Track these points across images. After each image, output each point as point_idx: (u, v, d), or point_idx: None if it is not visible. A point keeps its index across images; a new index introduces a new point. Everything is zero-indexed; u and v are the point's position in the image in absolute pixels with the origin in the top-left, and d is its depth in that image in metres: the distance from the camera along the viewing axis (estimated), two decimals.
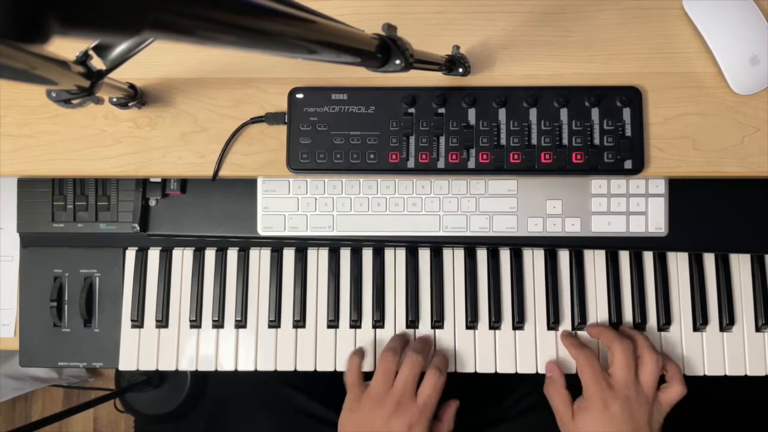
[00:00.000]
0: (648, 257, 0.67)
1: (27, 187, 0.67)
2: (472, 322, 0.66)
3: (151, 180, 0.66)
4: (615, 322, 0.65)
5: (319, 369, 0.66)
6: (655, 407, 0.59)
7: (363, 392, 0.62)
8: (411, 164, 0.60)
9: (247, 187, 0.66)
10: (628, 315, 0.66)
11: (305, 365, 0.66)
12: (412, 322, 0.66)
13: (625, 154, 0.59)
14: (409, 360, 0.61)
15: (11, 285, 0.70)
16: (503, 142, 0.60)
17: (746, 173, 0.60)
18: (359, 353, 0.65)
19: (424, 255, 0.68)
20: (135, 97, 0.59)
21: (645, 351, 0.60)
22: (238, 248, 0.68)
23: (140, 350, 0.67)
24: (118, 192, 0.67)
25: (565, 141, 0.60)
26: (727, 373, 0.65)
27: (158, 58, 0.62)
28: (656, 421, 0.59)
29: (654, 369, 0.59)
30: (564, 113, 0.60)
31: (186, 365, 0.67)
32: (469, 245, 0.67)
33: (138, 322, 0.67)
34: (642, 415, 0.58)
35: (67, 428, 1.51)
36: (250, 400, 0.69)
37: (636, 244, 0.65)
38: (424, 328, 0.66)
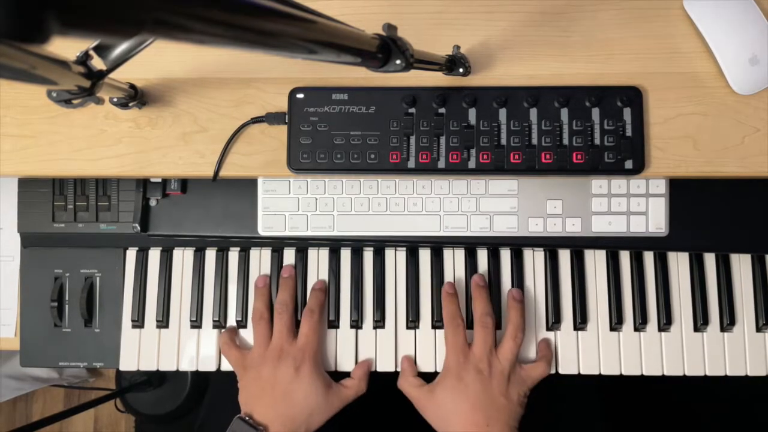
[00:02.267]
0: (648, 257, 0.67)
1: (27, 187, 0.67)
2: (472, 323, 0.66)
3: (152, 180, 0.66)
4: (615, 322, 0.65)
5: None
6: (514, 380, 0.61)
7: (241, 354, 0.64)
8: (411, 164, 0.60)
9: (247, 187, 0.66)
10: (628, 315, 0.66)
11: None
12: (413, 322, 0.66)
13: (625, 154, 0.59)
14: (276, 314, 0.64)
15: (11, 285, 0.70)
16: (504, 142, 0.60)
17: (746, 173, 0.60)
18: (229, 330, 0.67)
19: (425, 255, 0.67)
20: (135, 97, 0.59)
21: (509, 328, 0.63)
22: (238, 248, 0.68)
23: (141, 350, 0.67)
24: (119, 192, 0.67)
25: (566, 141, 0.60)
26: (728, 374, 0.65)
27: (158, 58, 0.62)
28: (514, 392, 0.61)
29: (511, 346, 0.62)
30: (564, 113, 0.60)
31: (186, 365, 0.67)
32: (470, 245, 0.67)
33: (138, 322, 0.67)
34: (495, 386, 0.60)
35: (68, 428, 1.52)
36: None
37: (636, 244, 0.65)
38: (425, 328, 0.66)
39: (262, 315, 0.65)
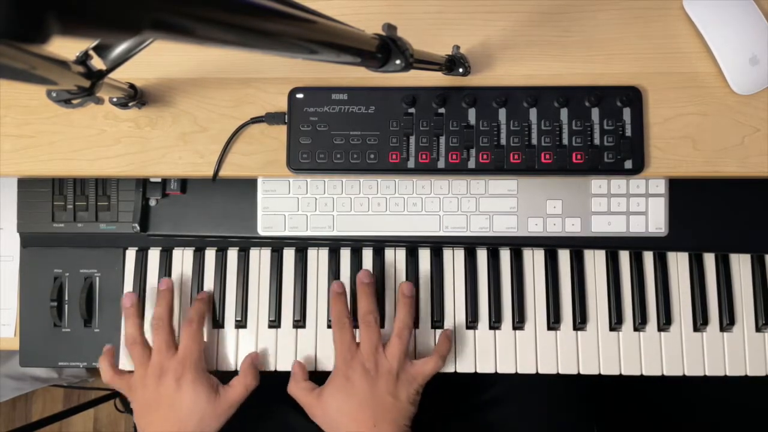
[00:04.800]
0: (648, 257, 0.67)
1: (27, 187, 0.67)
2: (472, 323, 0.66)
3: (151, 180, 0.66)
4: (615, 322, 0.65)
5: (319, 369, 0.66)
6: (403, 378, 0.60)
7: (125, 379, 0.63)
8: (411, 164, 0.60)
9: (247, 187, 0.66)
10: (628, 315, 0.66)
11: (306, 365, 0.66)
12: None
13: (625, 154, 0.59)
14: (153, 330, 0.63)
15: (11, 285, 0.70)
16: (503, 142, 0.60)
17: (746, 173, 0.60)
18: (107, 351, 0.65)
19: (424, 255, 0.67)
20: (135, 97, 0.59)
21: (396, 326, 0.62)
22: (238, 248, 0.68)
23: None
24: (118, 192, 0.67)
25: (565, 141, 0.60)
26: (728, 374, 0.65)
27: (158, 58, 0.62)
28: (403, 391, 0.60)
29: (397, 343, 0.61)
30: (564, 113, 0.60)
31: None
32: (469, 245, 0.67)
33: None
34: (383, 385, 0.59)
35: (67, 428, 1.52)
36: (251, 402, 0.69)
37: (636, 244, 0.65)
38: (424, 327, 0.66)
39: (135, 339, 0.63)
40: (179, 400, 0.60)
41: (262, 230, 0.66)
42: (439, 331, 0.66)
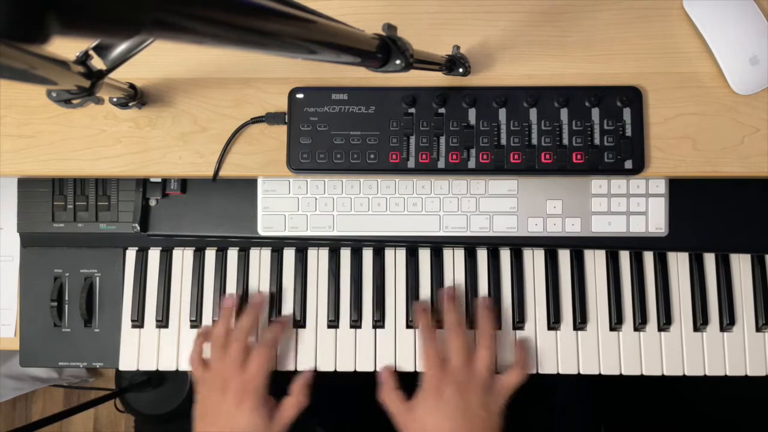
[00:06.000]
0: (648, 257, 0.67)
1: (27, 187, 0.67)
2: (472, 323, 0.66)
3: (151, 180, 0.66)
4: (615, 322, 0.65)
5: (319, 369, 0.66)
6: (492, 391, 0.61)
7: (201, 372, 0.64)
8: (411, 164, 0.60)
9: (247, 187, 0.66)
10: (628, 315, 0.66)
11: (305, 365, 0.66)
12: (413, 322, 0.66)
13: (625, 154, 0.59)
14: (232, 339, 0.63)
15: (11, 285, 0.70)
16: (503, 142, 0.60)
17: (746, 173, 0.60)
18: (203, 333, 0.66)
19: (425, 255, 0.67)
20: (135, 97, 0.59)
21: (481, 339, 0.62)
22: (238, 248, 0.68)
23: (140, 350, 0.67)
24: (118, 192, 0.67)
25: (566, 141, 0.60)
26: (728, 373, 0.65)
27: (158, 58, 0.62)
28: (493, 404, 0.60)
29: (486, 355, 0.61)
30: (564, 113, 0.60)
31: (186, 365, 0.67)
32: (470, 245, 0.67)
33: (138, 322, 0.67)
34: (475, 399, 0.59)
35: (67, 428, 1.52)
36: None
37: (636, 244, 0.65)
38: None
39: (220, 341, 0.64)
40: (236, 421, 0.61)
41: (262, 230, 0.66)
42: (437, 330, 0.66)
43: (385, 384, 0.64)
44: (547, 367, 0.65)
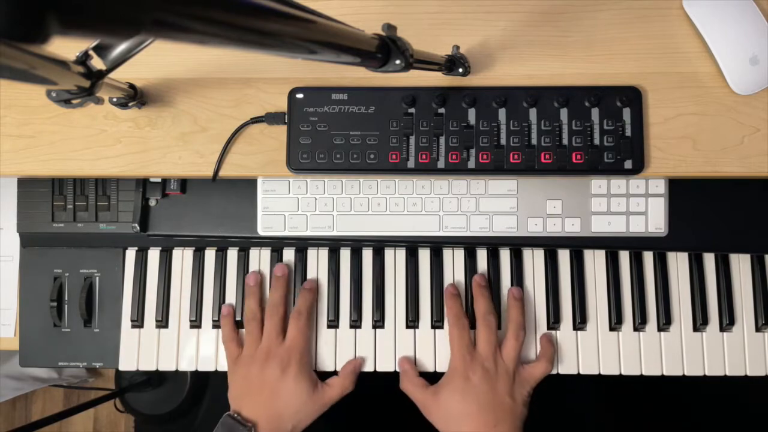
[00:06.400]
0: (648, 257, 0.67)
1: (27, 187, 0.67)
2: (472, 322, 0.66)
3: (151, 180, 0.66)
4: (615, 322, 0.65)
5: (319, 369, 0.66)
6: (518, 380, 0.62)
7: (237, 350, 0.65)
8: (411, 164, 0.60)
9: (247, 187, 0.66)
10: (628, 315, 0.66)
11: None
12: (412, 321, 0.66)
13: (625, 154, 0.59)
14: (267, 314, 0.64)
15: (11, 285, 0.70)
16: (503, 142, 0.60)
17: (746, 173, 0.60)
18: (231, 312, 0.67)
19: (424, 255, 0.67)
20: (135, 97, 0.59)
21: (511, 327, 0.63)
22: (238, 248, 0.68)
23: (140, 350, 0.67)
24: (118, 192, 0.67)
25: (565, 141, 0.60)
26: (727, 374, 0.65)
27: (158, 58, 0.62)
28: (519, 393, 0.61)
29: (514, 345, 0.62)
30: (564, 113, 0.60)
31: (186, 365, 0.67)
32: (469, 245, 0.67)
33: (138, 322, 0.67)
34: (502, 386, 0.60)
35: (67, 428, 1.52)
36: None
37: (636, 244, 0.65)
38: (424, 327, 0.66)
39: (255, 315, 0.65)
40: (281, 389, 0.61)
41: (262, 230, 0.66)
42: (438, 330, 0.66)
43: (406, 373, 0.64)
44: None
